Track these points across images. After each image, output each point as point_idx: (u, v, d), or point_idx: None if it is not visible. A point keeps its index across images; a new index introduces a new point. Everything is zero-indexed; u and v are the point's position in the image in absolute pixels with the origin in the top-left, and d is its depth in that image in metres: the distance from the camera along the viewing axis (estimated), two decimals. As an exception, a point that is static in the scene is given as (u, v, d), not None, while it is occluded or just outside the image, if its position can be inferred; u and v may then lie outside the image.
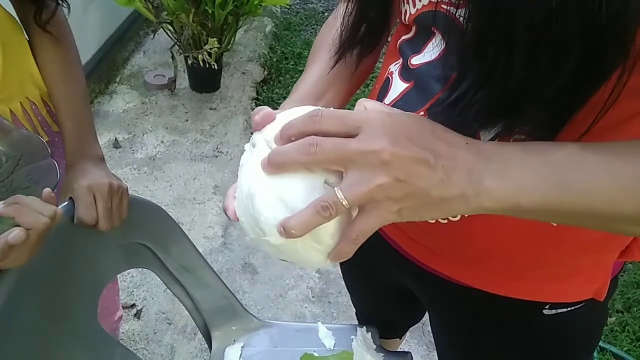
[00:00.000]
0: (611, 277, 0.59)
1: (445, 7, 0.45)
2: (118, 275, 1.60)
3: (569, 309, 0.58)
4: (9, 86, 0.66)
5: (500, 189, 0.36)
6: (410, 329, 1.07)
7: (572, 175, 0.36)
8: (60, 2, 0.71)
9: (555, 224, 0.49)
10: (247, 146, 0.42)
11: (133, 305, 1.57)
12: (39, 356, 0.56)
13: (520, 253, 0.54)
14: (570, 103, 0.38)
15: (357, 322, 1.01)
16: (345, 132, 0.34)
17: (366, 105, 0.38)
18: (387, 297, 0.87)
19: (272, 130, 0.39)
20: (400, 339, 1.07)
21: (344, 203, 0.34)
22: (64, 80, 0.74)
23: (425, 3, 0.48)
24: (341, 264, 0.92)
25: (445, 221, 0.54)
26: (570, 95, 0.37)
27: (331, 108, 0.38)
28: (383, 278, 0.77)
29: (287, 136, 0.36)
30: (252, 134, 0.42)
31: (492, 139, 0.43)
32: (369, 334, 0.96)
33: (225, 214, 0.42)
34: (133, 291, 1.61)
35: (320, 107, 0.37)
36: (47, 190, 0.57)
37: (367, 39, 0.55)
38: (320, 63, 0.60)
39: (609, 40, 0.34)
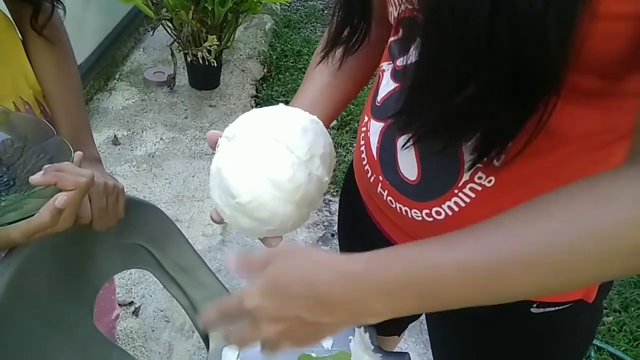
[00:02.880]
0: None
1: (416, 12, 0.46)
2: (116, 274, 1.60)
3: (556, 308, 0.58)
4: (2, 85, 0.66)
5: (392, 311, 0.40)
6: (408, 327, 1.07)
7: (516, 274, 0.37)
8: (56, 4, 0.71)
9: None
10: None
11: (131, 303, 1.57)
12: (34, 356, 0.56)
13: None
14: (513, 119, 0.39)
15: (354, 322, 1.01)
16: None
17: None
18: None
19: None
20: (399, 336, 1.07)
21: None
22: (59, 82, 0.73)
23: (404, 9, 0.49)
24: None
25: (431, 219, 0.54)
26: (510, 111, 0.39)
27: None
28: None
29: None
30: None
31: (471, 163, 0.46)
32: (367, 334, 0.96)
33: (215, 222, 0.49)
34: (131, 289, 1.61)
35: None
36: (78, 153, 0.61)
37: (350, 39, 0.58)
38: (318, 78, 0.64)
39: (537, 64, 0.35)
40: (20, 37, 0.71)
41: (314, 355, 0.93)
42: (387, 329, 0.98)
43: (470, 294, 0.38)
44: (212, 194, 0.49)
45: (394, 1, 0.51)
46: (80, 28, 2.16)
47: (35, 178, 0.54)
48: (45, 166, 0.55)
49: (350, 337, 0.96)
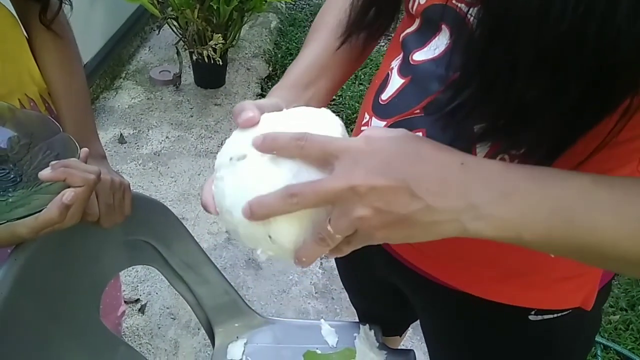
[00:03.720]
0: (600, 286, 0.57)
1: (457, 3, 0.43)
2: (123, 271, 1.61)
3: (554, 315, 0.57)
4: (7, 83, 0.66)
5: (501, 217, 0.34)
6: (413, 325, 1.07)
7: (579, 211, 0.34)
8: (64, 1, 0.71)
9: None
10: (222, 173, 0.40)
11: (137, 300, 1.58)
12: (38, 355, 0.57)
13: (507, 258, 0.53)
14: (573, 130, 0.36)
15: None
16: (324, 160, 0.35)
17: (367, 134, 0.37)
18: (383, 297, 0.87)
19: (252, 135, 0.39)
20: (400, 336, 1.07)
21: (337, 236, 0.35)
22: (65, 79, 0.74)
23: None
24: (337, 264, 0.92)
25: None
26: (573, 122, 0.36)
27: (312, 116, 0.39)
28: (377, 279, 0.77)
29: (269, 149, 0.36)
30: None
31: (488, 154, 0.42)
32: (372, 331, 0.96)
33: (205, 209, 0.41)
34: (137, 286, 1.62)
35: (305, 133, 0.36)
36: (84, 149, 0.61)
37: (375, 23, 0.54)
38: (317, 44, 0.58)
39: (622, 71, 0.32)
40: (26, 34, 0.71)
41: (319, 352, 0.94)
42: (389, 329, 0.97)
43: (614, 240, 0.35)
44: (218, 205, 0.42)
45: None
46: (87, 27, 2.17)
47: (45, 173, 0.54)
48: (52, 162, 0.56)
49: (355, 334, 0.96)
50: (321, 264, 1.73)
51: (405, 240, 0.36)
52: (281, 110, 0.42)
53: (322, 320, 0.98)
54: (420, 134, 0.47)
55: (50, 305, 0.61)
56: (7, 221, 0.51)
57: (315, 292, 1.65)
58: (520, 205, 0.34)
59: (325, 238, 0.35)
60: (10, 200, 0.55)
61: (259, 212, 0.35)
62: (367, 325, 0.97)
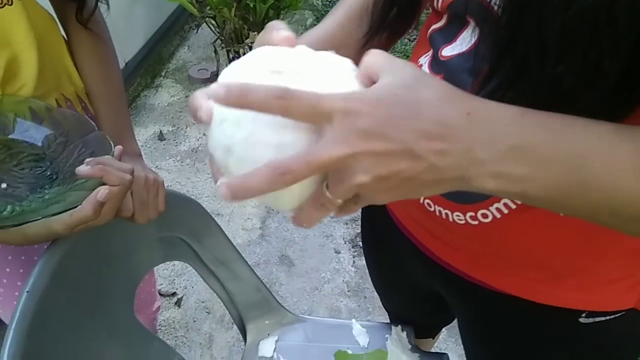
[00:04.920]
0: None
1: None
2: (160, 265, 1.65)
3: (607, 317, 0.54)
4: (46, 82, 0.68)
5: (508, 173, 0.31)
6: (449, 327, 1.04)
7: (594, 170, 0.31)
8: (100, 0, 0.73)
9: (591, 223, 0.44)
10: (233, 64, 0.35)
11: (174, 294, 1.61)
12: (72, 349, 0.58)
13: (556, 259, 0.51)
14: (612, 117, 0.33)
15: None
16: (314, 122, 0.30)
17: (366, 60, 0.32)
18: (416, 300, 0.85)
19: (271, 58, 0.33)
20: (433, 338, 1.05)
21: (337, 200, 0.32)
22: (102, 78, 0.76)
23: None
24: (368, 266, 0.91)
25: (476, 222, 0.51)
26: (612, 108, 0.33)
27: (312, 80, 0.32)
28: (410, 281, 0.75)
29: (236, 104, 0.30)
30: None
31: None
32: (404, 333, 0.94)
33: (195, 116, 0.34)
34: (174, 280, 1.66)
35: (286, 89, 0.29)
36: (118, 147, 0.62)
37: (396, 23, 0.53)
38: (333, 21, 0.57)
39: None
40: (64, 35, 0.73)
41: (350, 352, 0.93)
42: (421, 331, 0.95)
43: (632, 199, 0.32)
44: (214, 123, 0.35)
45: None
46: (128, 26, 2.24)
47: (83, 169, 0.55)
48: (87, 160, 0.57)
49: (387, 335, 0.94)
50: (354, 262, 1.72)
51: (409, 197, 0.33)
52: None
53: (353, 320, 0.97)
54: None
55: (86, 299, 0.62)
56: (43, 217, 0.52)
57: (348, 291, 1.64)
58: (529, 160, 0.31)
59: (325, 203, 0.32)
60: (46, 197, 0.57)
61: (242, 195, 0.30)
62: (400, 326, 0.95)
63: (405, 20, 0.54)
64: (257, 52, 0.35)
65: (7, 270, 0.73)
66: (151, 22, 2.51)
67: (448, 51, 0.48)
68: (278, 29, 0.35)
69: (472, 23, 0.45)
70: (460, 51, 0.47)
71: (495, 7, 0.37)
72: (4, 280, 0.74)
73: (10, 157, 0.61)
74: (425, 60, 0.53)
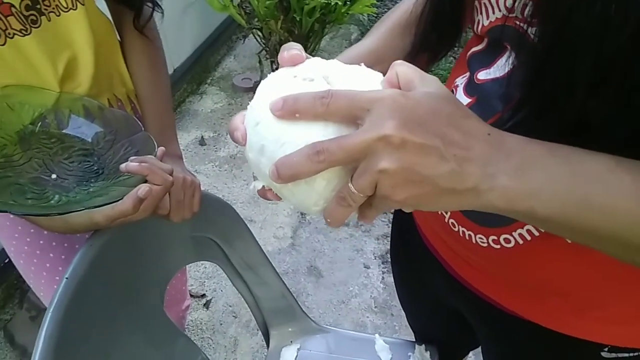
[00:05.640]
0: None
1: (518, 22, 0.43)
2: (192, 265, 1.69)
3: (630, 354, 0.52)
4: (100, 82, 0.73)
5: (514, 188, 0.32)
6: (475, 352, 1.02)
7: (597, 192, 0.33)
8: (155, 8, 0.77)
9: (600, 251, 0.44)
10: (271, 75, 0.37)
11: (203, 296, 1.65)
12: (103, 336, 0.61)
13: (581, 289, 0.49)
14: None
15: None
16: (354, 115, 0.32)
17: (397, 70, 0.34)
18: (442, 320, 0.83)
19: (304, 69, 0.36)
20: (459, 362, 1.02)
21: (359, 195, 0.33)
22: (151, 82, 0.80)
23: (499, 16, 0.46)
24: (396, 283, 0.90)
25: (498, 246, 0.51)
26: None
27: (343, 86, 0.34)
28: (437, 300, 0.74)
29: (290, 111, 0.33)
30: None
31: None
32: (428, 353, 0.93)
33: (232, 136, 0.37)
34: (204, 282, 1.69)
35: (328, 89, 0.32)
36: (161, 148, 0.65)
37: (437, 45, 0.55)
38: (375, 37, 0.59)
39: None
40: (119, 38, 0.78)
41: (371, 367, 0.92)
42: (447, 353, 0.93)
43: (632, 226, 0.33)
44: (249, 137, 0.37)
45: (486, 9, 0.48)
46: (179, 34, 2.33)
47: (130, 166, 0.58)
48: (132, 158, 0.60)
49: (410, 353, 0.93)
50: (383, 278, 1.71)
51: (420, 207, 0.34)
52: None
53: (376, 335, 0.97)
54: None
55: (119, 290, 0.65)
56: (86, 208, 0.55)
57: (375, 307, 1.62)
58: (536, 179, 0.33)
59: (346, 196, 0.33)
60: (91, 189, 0.60)
61: (285, 173, 0.32)
62: (424, 346, 0.94)
63: (446, 42, 0.56)
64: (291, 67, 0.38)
65: (51, 255, 0.78)
66: (201, 31, 2.61)
67: (483, 75, 0.49)
68: (289, 48, 0.37)
69: (509, 50, 0.46)
70: (495, 76, 0.47)
71: (532, 36, 0.37)
72: (47, 265, 0.78)
73: (62, 150, 0.65)
74: (461, 81, 0.54)
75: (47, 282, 0.80)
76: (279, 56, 0.38)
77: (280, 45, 2.33)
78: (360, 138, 0.31)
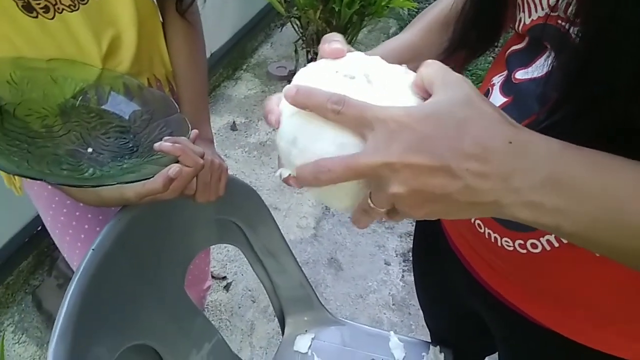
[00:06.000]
0: None
1: (560, 21, 0.42)
2: (215, 247, 1.72)
3: None
4: (141, 62, 0.74)
5: (540, 203, 0.31)
6: (493, 357, 1.00)
7: (632, 206, 0.31)
8: None
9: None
10: (311, 66, 0.38)
11: (224, 278, 1.68)
12: (124, 308, 0.63)
13: (608, 301, 0.48)
14: None
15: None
16: (359, 130, 0.32)
17: (427, 66, 0.33)
18: (461, 322, 0.82)
19: (347, 65, 0.36)
20: (474, 368, 1.01)
21: (379, 210, 0.33)
22: (189, 65, 0.81)
23: (541, 15, 0.45)
24: (416, 282, 0.90)
25: (524, 251, 0.50)
26: None
27: (383, 87, 0.34)
28: (457, 301, 0.73)
29: (301, 104, 0.33)
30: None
31: None
32: (442, 354, 0.92)
33: (266, 118, 0.37)
34: (226, 264, 1.72)
35: (344, 96, 0.32)
36: (194, 131, 0.66)
37: (477, 42, 0.54)
38: (413, 32, 0.58)
39: None
40: (161, 20, 0.79)
41: (383, 363, 0.92)
42: (462, 356, 0.93)
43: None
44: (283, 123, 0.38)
45: (528, 6, 0.47)
46: (219, 19, 2.35)
47: (164, 146, 0.60)
48: (166, 138, 0.61)
49: (424, 354, 0.93)
50: (403, 276, 1.70)
51: (445, 216, 0.34)
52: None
53: (391, 332, 0.97)
54: None
55: (143, 265, 0.67)
56: (118, 183, 0.57)
57: (393, 304, 1.62)
58: (565, 193, 0.31)
59: (369, 210, 0.34)
60: (124, 166, 0.62)
61: (304, 182, 0.34)
62: (439, 347, 0.93)
63: (486, 40, 0.55)
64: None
65: (86, 227, 0.81)
66: (240, 17, 2.62)
67: (521, 74, 0.48)
68: (331, 40, 0.37)
69: (549, 49, 0.45)
70: (533, 76, 0.46)
71: (573, 36, 0.36)
72: (82, 236, 0.81)
73: (100, 125, 0.67)
74: (498, 80, 0.53)
75: (81, 252, 0.83)
76: (319, 47, 0.37)
77: (318, 36, 2.33)
78: (363, 161, 0.31)
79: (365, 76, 0.34)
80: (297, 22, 2.38)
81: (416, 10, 3.13)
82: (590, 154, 0.32)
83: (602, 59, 0.34)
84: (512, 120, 0.32)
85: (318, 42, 2.30)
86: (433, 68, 0.33)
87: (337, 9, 2.17)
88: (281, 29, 2.73)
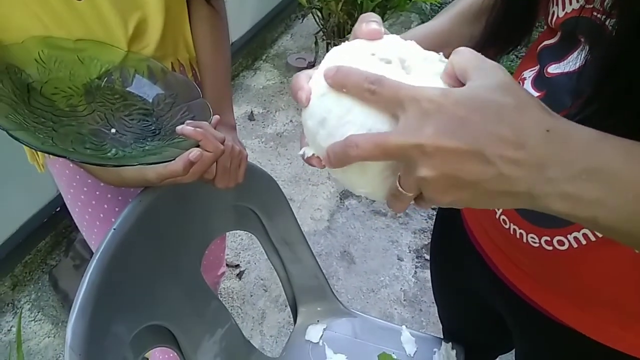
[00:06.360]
0: None
1: (596, 14, 0.41)
2: (229, 236, 1.73)
3: None
4: (165, 46, 0.75)
5: (577, 195, 0.29)
6: (504, 357, 0.99)
7: None
8: None
9: None
10: (345, 45, 0.37)
11: (237, 266, 1.69)
12: (143, 288, 0.64)
13: (633, 300, 0.47)
14: None
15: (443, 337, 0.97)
16: (391, 109, 0.31)
17: (456, 56, 0.32)
18: (477, 319, 0.82)
19: (383, 48, 0.35)
20: (487, 366, 1.00)
21: (408, 194, 0.32)
22: (213, 50, 0.81)
23: (576, 7, 0.44)
24: (432, 275, 0.89)
25: (550, 248, 0.49)
26: None
27: (418, 74, 0.33)
28: (475, 297, 0.72)
29: (339, 84, 0.32)
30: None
31: None
32: (454, 351, 0.92)
33: (294, 95, 0.36)
34: (240, 253, 1.73)
35: (381, 76, 0.31)
36: (216, 117, 0.67)
37: (508, 36, 0.53)
38: (443, 21, 0.57)
39: None
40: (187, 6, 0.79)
41: (395, 357, 0.92)
42: (475, 353, 0.92)
43: None
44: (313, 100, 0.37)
45: (562, 0, 0.46)
46: (241, 7, 2.35)
47: (186, 130, 0.60)
48: (188, 121, 0.62)
49: (435, 349, 0.92)
50: (415, 272, 1.69)
51: (473, 206, 0.32)
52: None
53: (404, 326, 0.96)
54: None
55: (161, 247, 0.68)
56: (140, 164, 0.57)
57: (404, 299, 1.61)
58: (602, 184, 0.30)
59: (397, 194, 0.33)
60: (146, 147, 0.62)
61: (332, 161, 0.33)
62: (451, 343, 0.93)
63: (517, 36, 0.54)
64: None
65: (105, 206, 0.82)
66: (261, 7, 2.62)
67: (554, 69, 0.47)
68: (368, 20, 0.35)
69: (584, 44, 0.44)
70: (566, 70, 0.45)
71: (610, 28, 0.35)
72: (101, 215, 0.82)
73: (124, 107, 0.67)
74: (530, 74, 0.52)
75: (100, 231, 0.84)
76: (355, 28, 0.36)
77: (339, 28, 2.31)
78: (394, 141, 0.30)
79: (401, 61, 0.34)
80: (319, 14, 2.36)
81: (438, 5, 3.09)
82: (630, 144, 0.31)
83: (637, 52, 0.33)
84: (549, 109, 0.31)
85: (339, 35, 2.30)
86: (465, 55, 0.32)
87: (359, 1, 2.15)
88: (302, 20, 2.72)
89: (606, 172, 0.30)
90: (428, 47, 0.38)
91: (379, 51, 0.34)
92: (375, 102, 0.31)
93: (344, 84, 0.32)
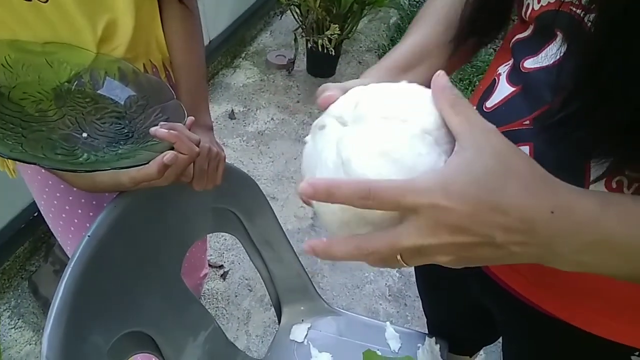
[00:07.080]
0: None
1: (574, 8, 0.40)
2: (213, 236, 1.72)
3: None
4: (137, 47, 0.73)
5: (585, 262, 0.33)
6: (487, 350, 1.01)
7: None
8: None
9: None
10: (307, 139, 0.41)
11: (221, 266, 1.68)
12: (120, 295, 0.62)
13: (619, 290, 0.48)
14: None
15: (427, 332, 0.98)
16: (397, 210, 0.33)
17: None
18: (462, 311, 0.82)
19: (341, 106, 0.38)
20: (470, 357, 1.01)
21: (404, 264, 0.34)
22: (186, 51, 0.80)
23: (552, 1, 0.44)
24: (416, 269, 0.89)
25: None
26: None
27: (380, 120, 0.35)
28: (460, 290, 0.73)
29: (332, 200, 0.32)
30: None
31: (601, 177, 0.39)
32: (438, 346, 0.92)
33: (302, 199, 0.37)
34: (223, 253, 1.72)
35: (369, 189, 0.31)
36: (190, 118, 0.66)
37: (485, 29, 0.53)
38: (421, 30, 0.57)
39: None
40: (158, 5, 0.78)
41: (379, 353, 0.92)
42: (459, 346, 0.93)
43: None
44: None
45: None
46: (217, 5, 2.32)
47: (160, 132, 0.59)
48: (161, 123, 0.61)
49: (420, 344, 0.93)
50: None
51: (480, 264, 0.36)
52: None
53: (388, 323, 0.97)
54: (527, 148, 0.45)
55: (139, 252, 0.67)
56: (113, 169, 0.56)
57: (389, 295, 1.62)
58: (608, 253, 0.33)
59: (394, 264, 0.34)
60: (119, 151, 0.61)
61: (344, 256, 0.35)
62: (434, 338, 0.93)
63: (494, 27, 0.54)
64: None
65: (79, 211, 0.80)
66: (239, 5, 2.60)
67: (530, 63, 0.47)
68: (322, 90, 0.40)
69: (559, 37, 0.44)
70: (545, 64, 0.45)
71: (588, 24, 0.35)
72: (75, 221, 0.81)
73: (95, 110, 0.66)
74: (504, 69, 0.52)
75: (74, 237, 0.82)
76: (318, 96, 0.40)
77: (317, 24, 2.29)
78: (412, 241, 0.32)
79: (401, 116, 0.35)
80: (297, 10, 2.35)
81: (417, 0, 3.11)
82: (633, 206, 0.33)
83: (616, 49, 0.33)
84: (544, 171, 0.33)
85: (317, 31, 2.29)
86: (457, 115, 0.33)
87: (337, -2, 2.15)
88: (281, 17, 2.70)
89: (611, 243, 0.32)
90: (409, 64, 0.45)
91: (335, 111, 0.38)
92: (375, 208, 0.33)
93: (332, 201, 0.33)
